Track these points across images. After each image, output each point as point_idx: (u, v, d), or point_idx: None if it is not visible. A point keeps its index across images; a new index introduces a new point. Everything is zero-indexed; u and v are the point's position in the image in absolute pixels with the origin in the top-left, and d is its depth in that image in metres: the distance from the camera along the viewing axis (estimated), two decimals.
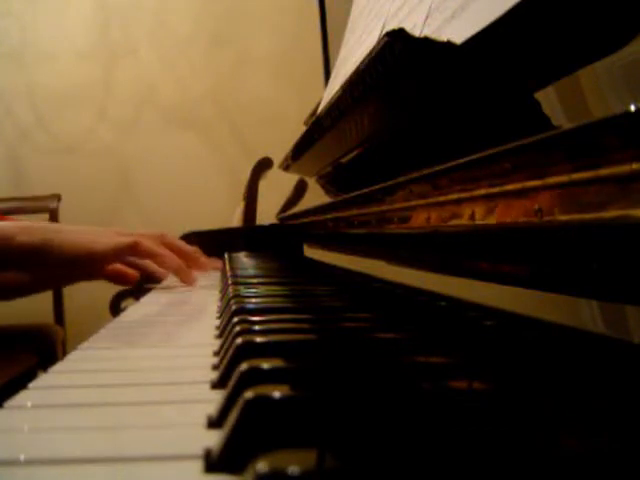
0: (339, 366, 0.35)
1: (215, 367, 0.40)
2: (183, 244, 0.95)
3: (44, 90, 2.77)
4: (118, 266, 0.87)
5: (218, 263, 1.13)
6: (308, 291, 0.73)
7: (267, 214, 1.64)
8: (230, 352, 0.38)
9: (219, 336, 0.51)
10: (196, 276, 0.95)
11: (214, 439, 0.25)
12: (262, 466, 0.20)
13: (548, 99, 0.30)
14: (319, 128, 0.76)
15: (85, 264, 0.81)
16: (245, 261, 1.26)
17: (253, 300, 0.62)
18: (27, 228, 0.78)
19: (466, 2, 0.44)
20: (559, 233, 0.29)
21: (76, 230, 0.83)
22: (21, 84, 2.77)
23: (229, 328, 0.46)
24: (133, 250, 0.83)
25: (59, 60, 2.77)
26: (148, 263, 0.91)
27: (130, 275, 0.87)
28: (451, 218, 0.41)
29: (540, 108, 0.30)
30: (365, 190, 0.59)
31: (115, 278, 0.88)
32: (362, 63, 0.51)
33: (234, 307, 0.55)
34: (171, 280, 0.98)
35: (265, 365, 0.32)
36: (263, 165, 1.91)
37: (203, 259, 0.96)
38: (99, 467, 0.25)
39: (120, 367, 0.43)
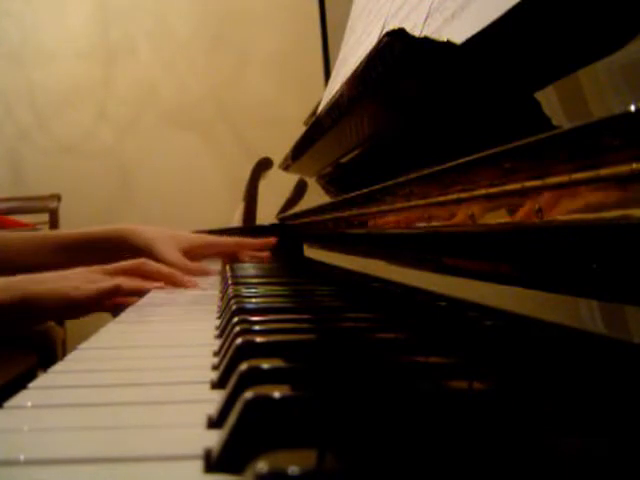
0: (339, 366, 0.35)
1: (215, 367, 0.40)
2: (160, 267, 0.95)
3: (44, 90, 2.77)
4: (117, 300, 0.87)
5: (207, 268, 1.12)
6: (308, 291, 0.73)
7: (267, 214, 1.64)
8: (230, 352, 0.38)
9: (219, 336, 0.51)
10: (191, 281, 0.95)
11: (214, 439, 0.25)
12: (262, 466, 0.20)
13: (548, 99, 0.30)
14: (319, 128, 0.76)
15: (66, 313, 0.82)
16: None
17: (253, 300, 0.62)
18: (5, 283, 0.78)
19: (466, 2, 0.44)
20: (559, 233, 0.29)
21: (56, 277, 0.83)
22: (21, 84, 2.77)
23: (229, 328, 0.46)
24: (114, 293, 0.83)
25: (59, 60, 2.78)
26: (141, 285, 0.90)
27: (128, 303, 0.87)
28: (451, 218, 0.41)
29: (540, 108, 0.30)
30: (365, 190, 0.59)
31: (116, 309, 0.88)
32: (362, 63, 0.51)
33: (234, 307, 0.55)
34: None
35: (265, 365, 0.32)
36: (263, 165, 1.91)
37: (182, 278, 0.95)
38: (99, 467, 0.25)
39: (120, 367, 0.43)
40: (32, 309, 0.79)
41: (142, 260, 0.92)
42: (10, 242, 1.04)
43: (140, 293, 0.87)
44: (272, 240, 1.18)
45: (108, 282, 0.83)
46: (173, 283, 0.93)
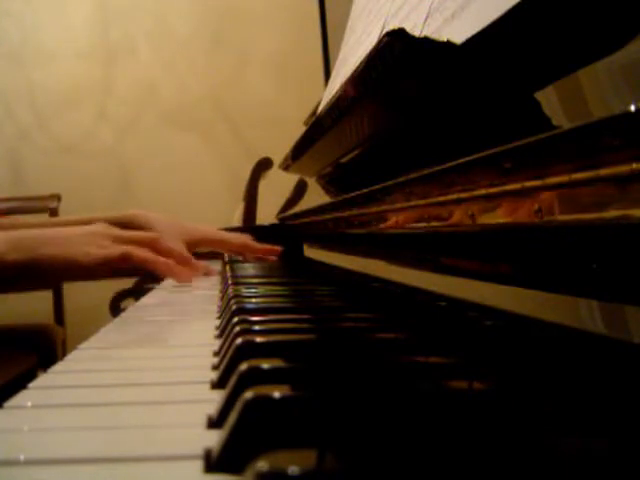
0: (339, 366, 0.35)
1: (215, 367, 0.40)
2: (174, 248, 0.94)
3: (44, 90, 2.77)
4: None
5: (211, 268, 1.12)
6: (308, 291, 0.73)
7: (267, 214, 1.64)
8: (230, 352, 0.38)
9: (219, 336, 0.51)
10: (191, 274, 0.94)
11: (214, 439, 0.25)
12: (262, 466, 0.20)
13: (548, 99, 0.30)
14: (319, 128, 0.76)
15: (74, 275, 0.82)
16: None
17: (253, 300, 0.62)
18: (17, 243, 0.78)
19: (466, 2, 0.44)
20: (559, 233, 0.29)
21: (68, 235, 0.82)
22: (21, 84, 2.77)
23: (229, 328, 0.46)
24: (123, 261, 0.82)
25: (59, 60, 2.77)
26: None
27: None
28: (451, 218, 0.41)
29: (540, 108, 0.30)
30: (365, 190, 0.59)
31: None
32: (362, 63, 0.51)
33: (234, 307, 0.55)
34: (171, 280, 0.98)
35: (265, 365, 0.32)
36: (263, 165, 1.91)
37: (196, 263, 0.95)
38: (99, 467, 0.25)
39: (120, 367, 0.43)
40: (41, 271, 0.79)
41: (157, 236, 0.91)
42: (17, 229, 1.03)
43: (148, 267, 0.85)
44: (277, 249, 1.19)
45: (118, 249, 0.82)
46: (182, 263, 0.92)
